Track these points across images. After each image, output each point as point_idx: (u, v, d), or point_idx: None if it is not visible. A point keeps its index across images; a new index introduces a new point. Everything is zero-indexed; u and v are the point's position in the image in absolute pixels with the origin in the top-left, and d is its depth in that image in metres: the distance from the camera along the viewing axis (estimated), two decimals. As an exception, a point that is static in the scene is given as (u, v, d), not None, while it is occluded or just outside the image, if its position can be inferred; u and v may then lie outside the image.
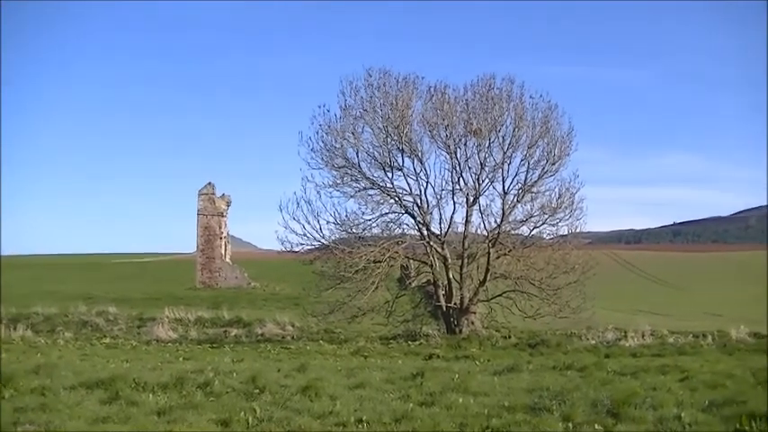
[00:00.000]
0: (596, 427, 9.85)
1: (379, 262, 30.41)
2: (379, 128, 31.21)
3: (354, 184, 31.65)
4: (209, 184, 63.36)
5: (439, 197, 31.84)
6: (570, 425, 9.94)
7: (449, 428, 9.74)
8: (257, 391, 12.33)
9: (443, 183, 31.79)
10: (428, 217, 31.78)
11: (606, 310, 40.82)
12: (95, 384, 12.38)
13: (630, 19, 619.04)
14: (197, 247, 63.17)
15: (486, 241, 31.65)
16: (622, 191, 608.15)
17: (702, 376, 14.65)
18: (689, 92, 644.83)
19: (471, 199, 31.75)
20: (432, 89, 31.73)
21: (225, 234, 64.13)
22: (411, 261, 33.39)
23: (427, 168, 31.72)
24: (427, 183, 31.68)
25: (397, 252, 31.05)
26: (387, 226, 32.23)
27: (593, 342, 27.65)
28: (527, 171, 31.64)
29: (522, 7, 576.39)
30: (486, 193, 32.02)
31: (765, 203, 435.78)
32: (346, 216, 31.61)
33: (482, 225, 32.16)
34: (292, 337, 30.74)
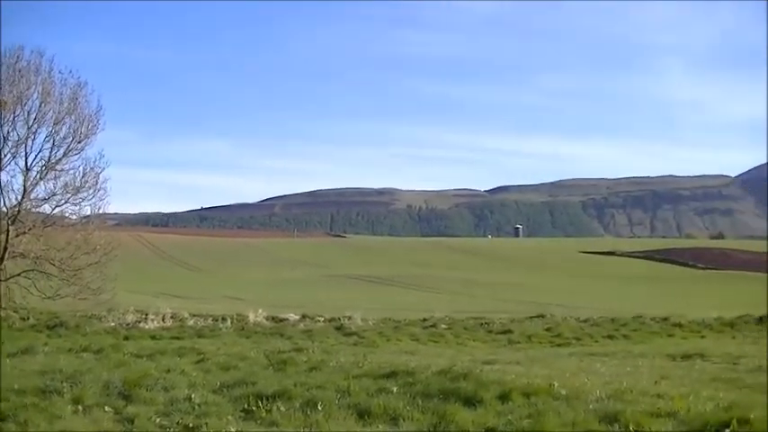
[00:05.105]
0: (106, 408, 9.93)
1: None
2: None
3: None
4: None
5: (-43, 171, 29.75)
6: (80, 407, 9.94)
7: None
8: None
9: (-38, 156, 29.75)
10: (-56, 191, 29.54)
11: (129, 292, 41.68)
12: None
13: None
14: None
15: (6, 219, 30.42)
16: (151, 173, 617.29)
17: (218, 358, 15.22)
18: (217, 77, 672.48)
19: (-9, 174, 30.20)
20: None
21: None
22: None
23: (-53, 140, 29.42)
24: (-54, 155, 29.44)
25: None
26: None
27: (113, 324, 27.47)
28: (52, 148, 30.91)
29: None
30: (7, 169, 30.63)
31: (291, 192, 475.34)
32: None
33: (2, 202, 30.84)
34: None
